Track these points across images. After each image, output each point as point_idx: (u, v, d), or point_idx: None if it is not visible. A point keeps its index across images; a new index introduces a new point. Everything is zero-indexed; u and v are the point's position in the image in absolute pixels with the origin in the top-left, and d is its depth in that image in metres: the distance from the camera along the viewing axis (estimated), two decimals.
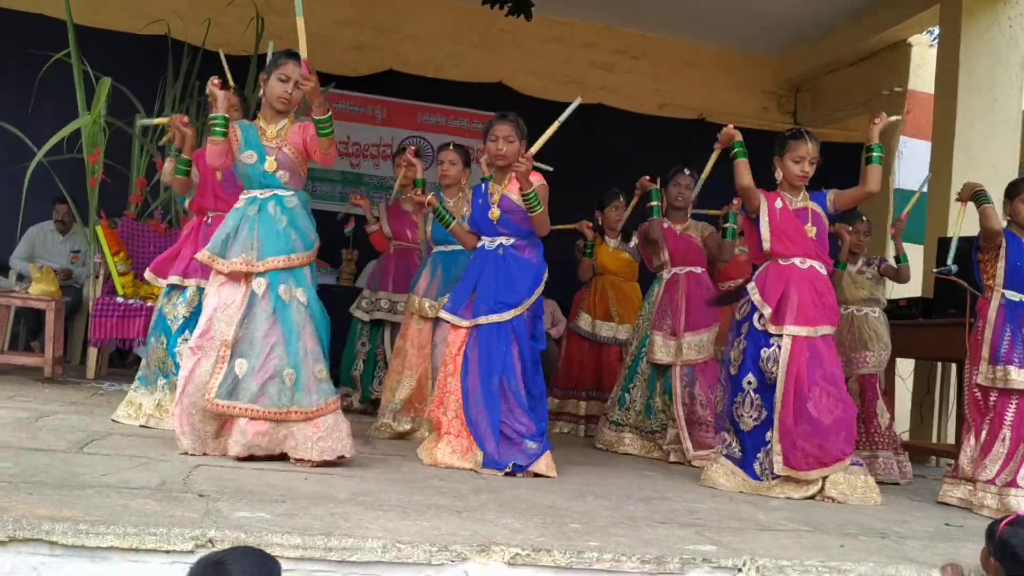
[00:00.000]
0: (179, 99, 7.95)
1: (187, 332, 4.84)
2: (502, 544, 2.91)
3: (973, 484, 4.80)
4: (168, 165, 5.41)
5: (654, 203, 5.99)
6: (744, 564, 3.06)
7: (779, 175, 4.89)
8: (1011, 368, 4.69)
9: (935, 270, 6.02)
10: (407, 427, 5.45)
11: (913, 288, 7.47)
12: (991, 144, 7.64)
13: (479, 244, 4.82)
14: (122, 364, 7.81)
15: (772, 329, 4.69)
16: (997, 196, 5.02)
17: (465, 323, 4.64)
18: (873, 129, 4.86)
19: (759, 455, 4.71)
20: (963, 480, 4.88)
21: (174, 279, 5.02)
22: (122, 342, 6.94)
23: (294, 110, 4.37)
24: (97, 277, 7.04)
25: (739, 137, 4.87)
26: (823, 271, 4.82)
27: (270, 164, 4.25)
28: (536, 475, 4.47)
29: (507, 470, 4.43)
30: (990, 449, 4.75)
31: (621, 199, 6.88)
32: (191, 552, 2.62)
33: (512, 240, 4.72)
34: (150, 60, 8.07)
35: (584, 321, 6.98)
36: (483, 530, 3.10)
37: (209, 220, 5.11)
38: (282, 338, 4.09)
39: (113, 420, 4.86)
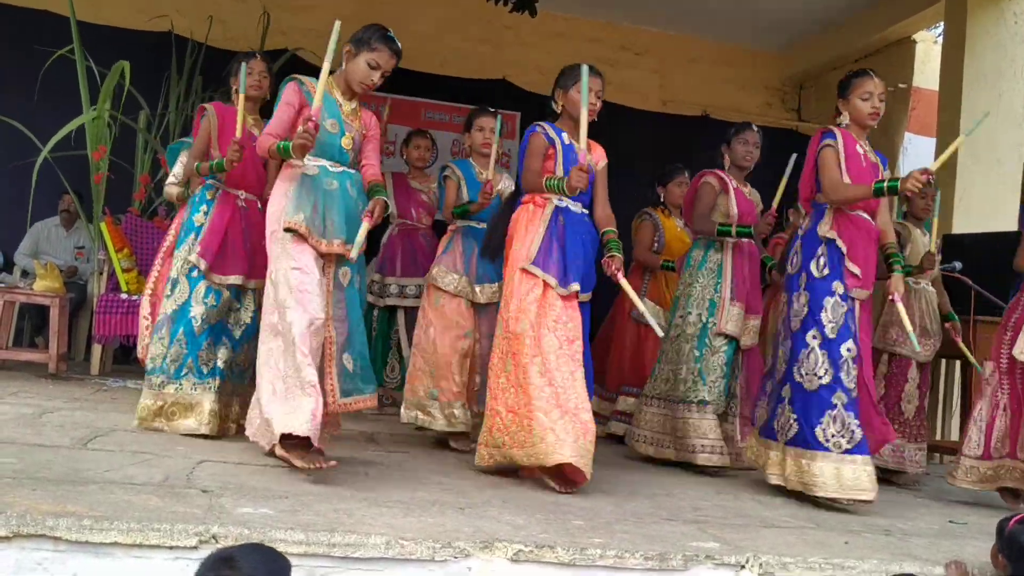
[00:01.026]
0: (183, 96, 7.94)
1: (211, 334, 4.59)
2: (505, 541, 2.91)
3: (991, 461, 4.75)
4: (174, 189, 5.38)
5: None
6: (747, 561, 3.07)
7: (844, 119, 4.55)
8: None
9: (940, 267, 6.02)
10: (447, 415, 4.98)
11: None
12: (996, 140, 7.62)
13: (561, 204, 4.33)
14: (126, 360, 7.81)
15: (859, 294, 4.36)
16: (998, 192, 4.98)
17: (585, 296, 4.30)
18: (907, 184, 4.23)
19: (824, 418, 4.22)
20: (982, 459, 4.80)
21: (234, 279, 4.65)
22: (126, 339, 6.93)
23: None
24: (101, 273, 7.05)
25: None
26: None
27: (347, 141, 4.02)
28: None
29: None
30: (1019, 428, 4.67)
31: (686, 175, 6.37)
32: (195, 548, 2.63)
33: (586, 211, 4.44)
34: (153, 56, 8.05)
35: (648, 307, 5.95)
36: (486, 527, 3.10)
37: (243, 202, 4.77)
38: (360, 326, 4.00)
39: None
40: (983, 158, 7.58)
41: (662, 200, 6.52)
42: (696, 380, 5.17)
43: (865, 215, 4.46)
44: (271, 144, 3.83)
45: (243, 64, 4.61)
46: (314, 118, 3.72)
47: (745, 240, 5.30)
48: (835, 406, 4.23)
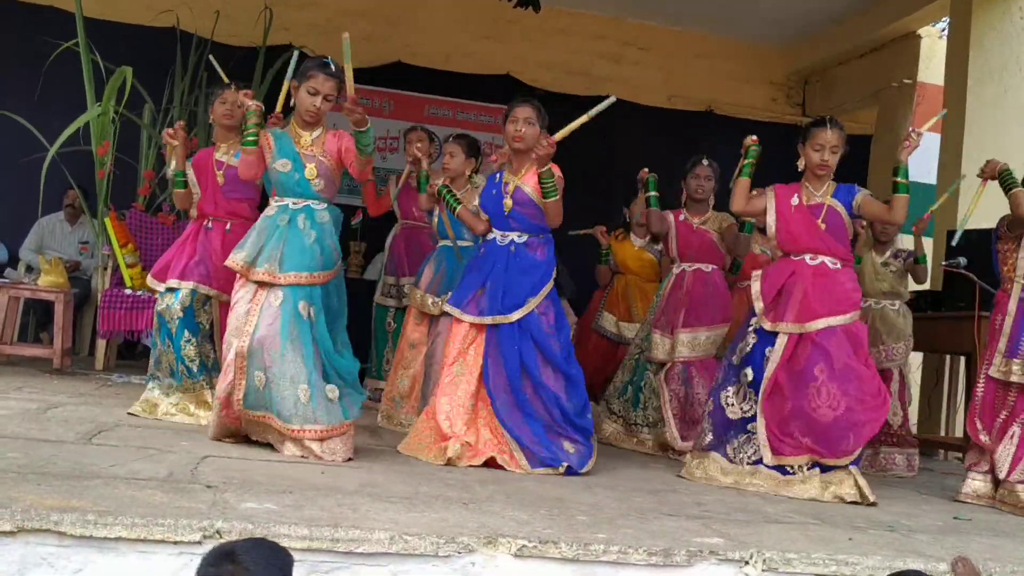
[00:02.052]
0: (187, 91, 7.95)
1: (187, 332, 4.88)
2: (509, 536, 2.91)
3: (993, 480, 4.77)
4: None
5: (651, 194, 5.85)
6: (751, 557, 3.06)
7: (801, 164, 4.77)
8: None
9: (944, 263, 6.01)
10: (408, 424, 5.32)
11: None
12: (1001, 135, 7.59)
13: (490, 238, 4.73)
14: (131, 355, 7.83)
15: (766, 324, 4.65)
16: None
17: (468, 318, 4.58)
18: (902, 151, 4.63)
19: (737, 440, 4.65)
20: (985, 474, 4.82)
21: (172, 282, 4.96)
22: (130, 334, 6.97)
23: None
24: (106, 269, 7.05)
25: (754, 144, 4.80)
26: (835, 265, 4.67)
27: (310, 171, 4.21)
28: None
29: (560, 469, 4.36)
30: (998, 443, 4.70)
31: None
32: (199, 543, 2.63)
33: (524, 237, 4.65)
34: (159, 51, 8.06)
35: (608, 321, 6.81)
36: (490, 522, 3.10)
37: (209, 225, 5.08)
38: (301, 353, 4.06)
39: (129, 413, 4.83)
40: (989, 154, 7.50)
41: (627, 220, 6.87)
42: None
43: (807, 258, 4.70)
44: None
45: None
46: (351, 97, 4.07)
47: (692, 268, 5.83)
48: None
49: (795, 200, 4.75)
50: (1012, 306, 4.74)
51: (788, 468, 4.52)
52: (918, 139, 4.55)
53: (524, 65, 9.66)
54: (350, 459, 4.10)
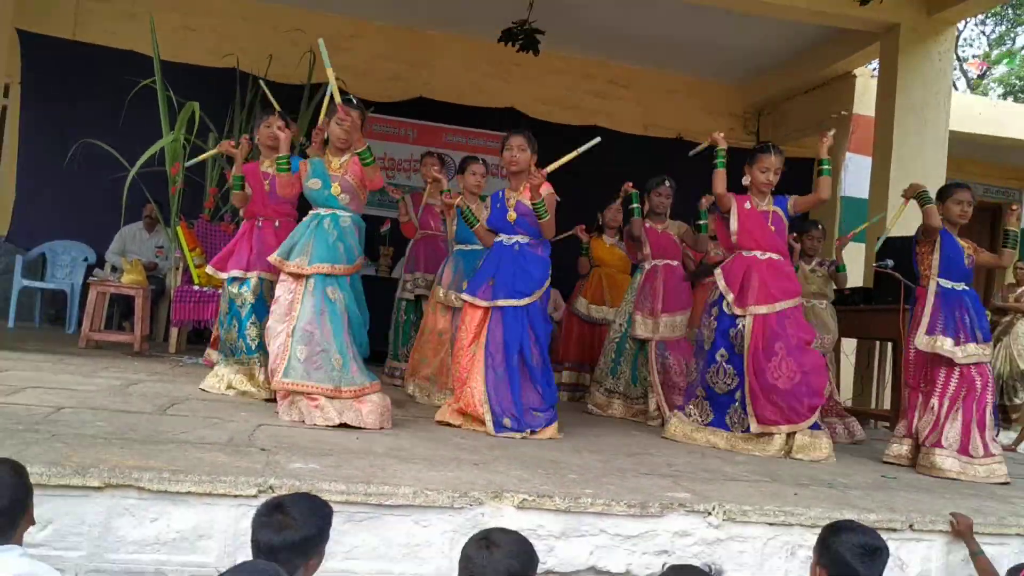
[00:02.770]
0: (245, 122, 7.95)
1: (254, 316, 4.86)
2: (512, 491, 2.92)
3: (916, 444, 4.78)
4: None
5: (635, 205, 6.02)
6: (713, 508, 3.07)
7: (747, 180, 4.92)
8: (945, 339, 4.62)
9: (875, 264, 5.99)
10: (440, 400, 5.28)
11: (855, 279, 7.46)
12: (922, 158, 7.60)
13: (497, 239, 4.73)
14: (199, 341, 7.82)
15: (737, 311, 4.73)
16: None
17: (482, 303, 4.57)
18: (822, 146, 4.89)
19: (729, 410, 4.75)
20: (906, 439, 4.84)
21: (236, 272, 4.95)
22: (198, 323, 6.96)
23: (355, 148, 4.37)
24: (177, 269, 7.06)
25: (723, 145, 4.94)
26: (780, 259, 4.86)
27: (335, 188, 4.34)
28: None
29: (524, 434, 4.39)
30: (923, 415, 4.72)
31: (618, 203, 6.83)
32: (255, 496, 2.64)
33: (527, 239, 4.65)
34: (221, 88, 8.07)
35: (581, 304, 6.92)
36: (496, 479, 3.11)
37: (260, 224, 5.06)
38: (330, 329, 4.13)
39: (201, 389, 4.83)
40: (912, 174, 7.51)
41: (600, 223, 7.00)
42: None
43: (758, 253, 4.82)
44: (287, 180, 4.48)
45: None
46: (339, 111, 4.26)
47: (662, 263, 5.96)
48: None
49: (747, 205, 4.90)
50: (930, 296, 4.77)
51: (771, 432, 4.64)
52: (830, 139, 4.90)
53: (526, 100, 9.64)
54: (382, 427, 4.09)
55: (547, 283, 4.66)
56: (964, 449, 4.58)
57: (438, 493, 2.83)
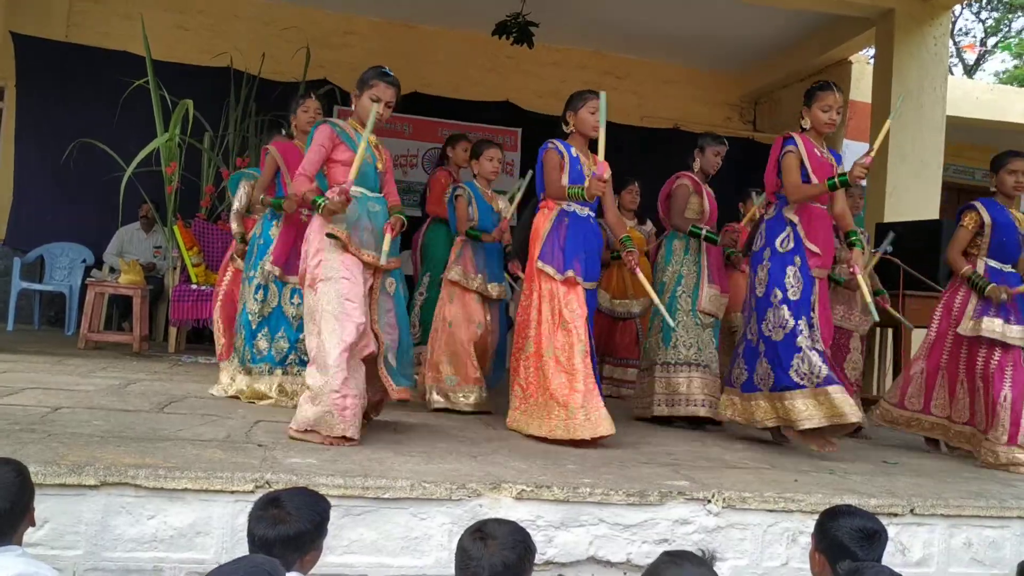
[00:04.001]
0: (240, 119, 7.94)
1: (265, 328, 4.55)
2: (510, 482, 2.91)
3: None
4: (235, 226, 5.09)
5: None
6: (713, 496, 3.06)
7: (807, 123, 4.40)
8: (994, 320, 4.43)
9: (874, 250, 5.97)
10: (472, 398, 4.84)
11: None
12: (919, 144, 7.58)
13: (570, 209, 4.24)
14: (198, 340, 7.82)
15: (818, 273, 4.27)
16: (923, 188, 4.92)
17: (587, 284, 4.18)
18: (853, 176, 4.16)
19: (793, 360, 4.14)
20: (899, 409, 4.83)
21: (295, 279, 4.37)
22: (196, 322, 6.97)
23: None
24: (175, 268, 7.06)
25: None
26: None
27: (380, 165, 3.80)
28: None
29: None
30: (993, 412, 4.45)
31: (635, 184, 6.53)
32: (252, 492, 2.63)
33: (594, 215, 4.35)
34: (216, 87, 8.05)
35: (603, 298, 6.38)
36: (494, 471, 3.10)
37: (305, 217, 4.35)
38: (397, 326, 3.79)
39: (211, 394, 4.61)
40: (910, 159, 7.54)
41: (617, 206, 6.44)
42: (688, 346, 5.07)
43: (821, 206, 4.36)
44: (306, 190, 3.59)
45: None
46: (347, 189, 3.51)
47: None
48: (800, 348, 4.11)
49: (815, 151, 4.37)
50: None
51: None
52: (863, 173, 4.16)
53: (521, 93, 9.61)
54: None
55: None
56: (1013, 438, 4.34)
57: (436, 485, 2.82)
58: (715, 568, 1.85)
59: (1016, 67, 19.66)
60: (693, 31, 9.18)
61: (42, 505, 2.51)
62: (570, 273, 4.12)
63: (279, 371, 4.56)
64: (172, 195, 7.13)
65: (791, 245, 4.27)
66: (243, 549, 2.28)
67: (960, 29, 20.98)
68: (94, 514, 2.58)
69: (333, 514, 2.30)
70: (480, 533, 2.00)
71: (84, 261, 8.13)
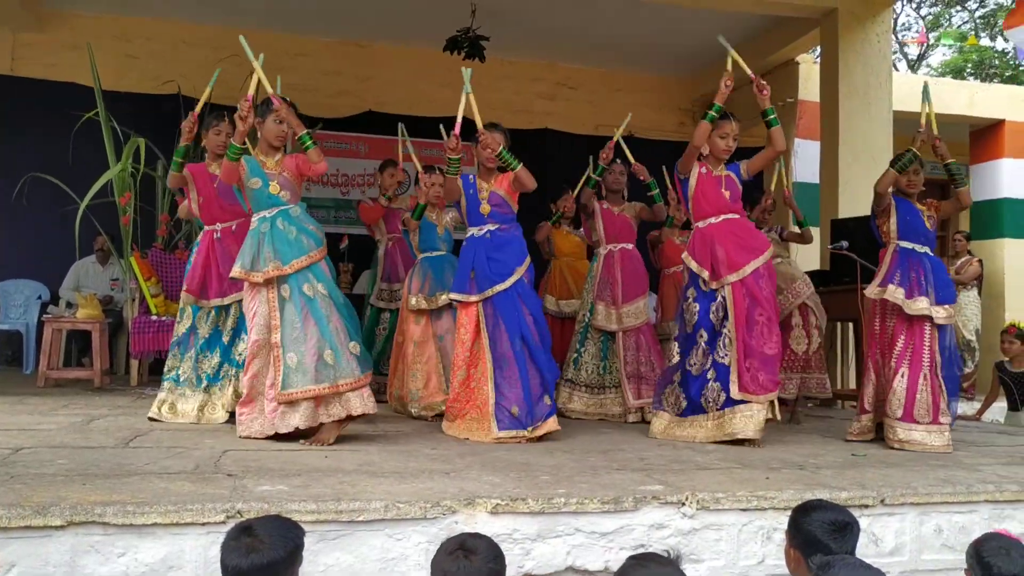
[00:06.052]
0: (193, 147, 7.83)
1: (243, 334, 4.66)
2: (485, 497, 2.89)
3: (874, 418, 4.83)
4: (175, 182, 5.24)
5: (593, 176, 6.08)
6: (687, 498, 3.07)
7: (706, 149, 4.81)
8: (898, 288, 4.66)
9: (830, 247, 6.07)
10: (425, 413, 5.31)
11: (812, 263, 7.55)
12: (868, 140, 7.73)
13: (468, 234, 4.77)
14: (160, 372, 7.69)
15: (713, 285, 4.61)
16: (874, 183, 5.02)
17: (474, 297, 4.59)
18: (762, 99, 4.83)
19: (704, 389, 4.60)
20: (865, 414, 4.89)
21: (216, 301, 4.82)
22: (158, 352, 6.85)
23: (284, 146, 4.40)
24: (134, 300, 6.97)
25: (718, 101, 4.87)
26: (737, 217, 4.76)
27: (274, 187, 4.25)
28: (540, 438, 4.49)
29: (528, 431, 4.44)
30: (891, 387, 4.68)
31: (570, 192, 6.65)
32: (223, 523, 2.59)
33: (497, 226, 4.71)
34: (166, 115, 7.95)
35: (549, 302, 6.58)
36: (468, 487, 3.08)
37: (218, 234, 4.89)
38: (315, 326, 4.07)
39: (150, 418, 4.74)
40: (860, 156, 7.67)
41: (559, 212, 6.73)
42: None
43: (713, 219, 4.72)
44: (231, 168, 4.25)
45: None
46: (247, 102, 4.19)
47: (617, 248, 5.90)
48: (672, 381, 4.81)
49: (704, 171, 4.79)
50: (889, 254, 4.83)
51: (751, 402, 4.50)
52: (766, 86, 4.95)
53: (476, 107, 9.62)
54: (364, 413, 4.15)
55: (527, 258, 4.68)
56: (909, 414, 4.58)
57: (410, 505, 2.79)
58: (693, 570, 1.87)
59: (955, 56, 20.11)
60: (642, 38, 9.30)
61: (8, 548, 2.45)
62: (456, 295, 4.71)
63: (200, 391, 4.81)
64: (128, 226, 7.04)
65: (687, 278, 4.83)
66: None
67: (903, 24, 21.44)
68: (62, 555, 2.52)
69: (308, 539, 2.26)
70: (462, 551, 1.99)
71: (40, 297, 8.00)
